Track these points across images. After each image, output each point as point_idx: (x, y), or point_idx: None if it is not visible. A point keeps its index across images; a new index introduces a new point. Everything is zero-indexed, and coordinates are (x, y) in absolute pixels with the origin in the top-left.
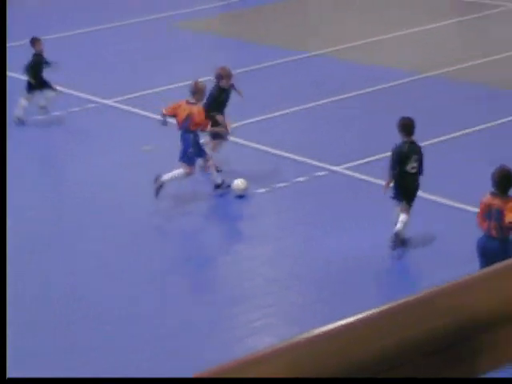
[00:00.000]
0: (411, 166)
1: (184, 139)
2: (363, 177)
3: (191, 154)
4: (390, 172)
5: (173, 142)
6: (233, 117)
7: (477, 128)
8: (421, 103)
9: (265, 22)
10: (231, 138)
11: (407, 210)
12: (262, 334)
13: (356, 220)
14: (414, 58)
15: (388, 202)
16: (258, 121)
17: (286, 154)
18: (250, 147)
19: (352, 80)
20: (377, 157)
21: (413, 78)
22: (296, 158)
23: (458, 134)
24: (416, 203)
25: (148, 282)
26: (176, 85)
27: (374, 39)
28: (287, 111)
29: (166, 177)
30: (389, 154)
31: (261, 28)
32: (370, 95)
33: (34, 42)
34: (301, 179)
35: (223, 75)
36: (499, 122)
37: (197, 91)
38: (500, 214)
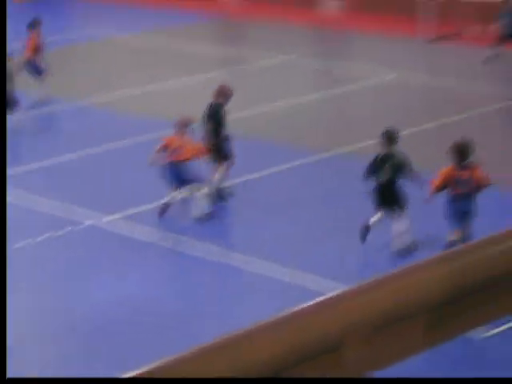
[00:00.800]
0: (383, 174)
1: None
2: (120, 230)
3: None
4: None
5: None
6: None
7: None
8: None
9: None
10: None
11: (395, 218)
12: None
13: (112, 273)
14: (176, 109)
15: (142, 254)
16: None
17: (41, 208)
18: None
19: (115, 130)
20: (135, 210)
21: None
22: (52, 211)
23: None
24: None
25: None
26: None
27: (138, 91)
28: (42, 163)
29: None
30: (148, 207)
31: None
32: (134, 146)
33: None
34: (59, 233)
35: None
36: (262, 173)
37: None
38: (470, 182)
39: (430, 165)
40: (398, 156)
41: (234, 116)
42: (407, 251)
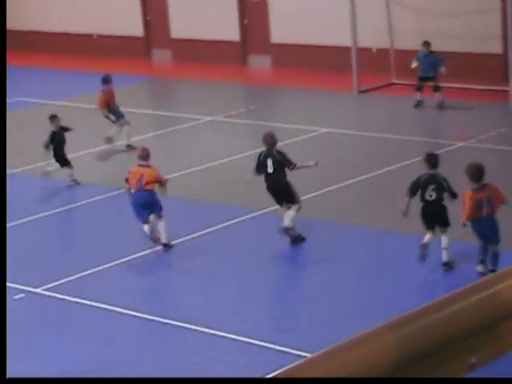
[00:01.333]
0: (429, 195)
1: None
2: (62, 297)
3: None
4: (407, 198)
5: None
6: None
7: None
8: (120, 218)
9: None
10: None
11: (444, 233)
12: None
13: (52, 342)
14: (105, 174)
15: (92, 323)
16: None
17: None
18: None
19: (47, 197)
20: (76, 276)
21: (110, 194)
22: None
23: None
24: None
25: None
26: None
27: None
28: None
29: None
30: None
31: None
32: (69, 212)
33: (53, 119)
34: None
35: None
36: (199, 233)
37: None
38: (490, 201)
39: (368, 217)
40: (441, 176)
41: (168, 176)
42: (449, 265)
